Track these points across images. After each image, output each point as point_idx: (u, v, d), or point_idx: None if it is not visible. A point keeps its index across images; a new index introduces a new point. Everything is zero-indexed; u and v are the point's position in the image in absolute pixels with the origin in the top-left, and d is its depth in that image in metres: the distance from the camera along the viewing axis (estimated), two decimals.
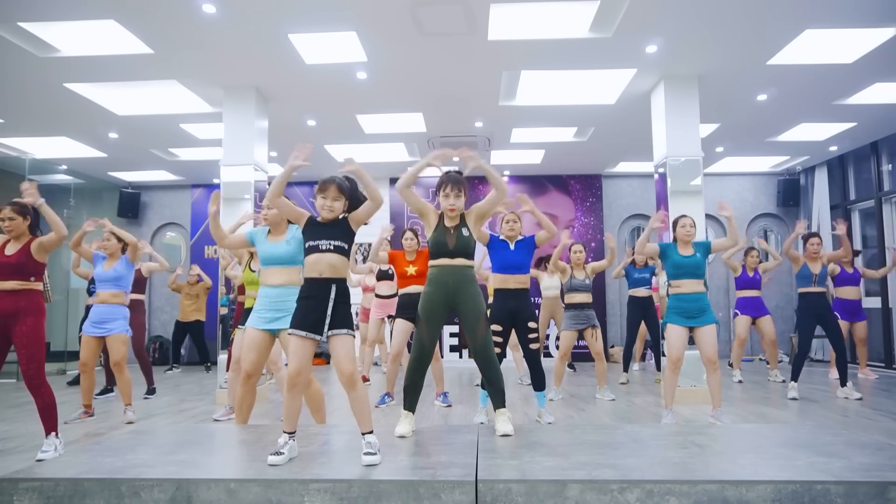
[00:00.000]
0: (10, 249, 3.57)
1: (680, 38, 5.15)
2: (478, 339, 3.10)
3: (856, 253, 6.79)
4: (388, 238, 5.06)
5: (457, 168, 3.32)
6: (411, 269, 5.08)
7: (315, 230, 2.69)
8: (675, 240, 4.38)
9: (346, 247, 2.69)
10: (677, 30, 4.99)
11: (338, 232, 2.68)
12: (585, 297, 5.43)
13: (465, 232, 3.15)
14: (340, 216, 2.73)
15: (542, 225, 4.17)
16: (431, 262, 3.18)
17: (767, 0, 4.50)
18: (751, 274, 6.81)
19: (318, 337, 2.58)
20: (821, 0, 4.50)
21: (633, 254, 6.78)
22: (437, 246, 3.13)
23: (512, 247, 4.27)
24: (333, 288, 2.62)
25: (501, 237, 4.34)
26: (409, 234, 5.19)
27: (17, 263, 3.51)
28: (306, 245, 2.69)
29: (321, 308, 2.59)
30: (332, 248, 2.64)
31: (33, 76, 5.64)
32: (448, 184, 3.13)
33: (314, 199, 2.82)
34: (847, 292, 6.54)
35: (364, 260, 9.47)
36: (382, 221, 9.68)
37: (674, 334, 4.23)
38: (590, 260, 9.21)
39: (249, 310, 4.41)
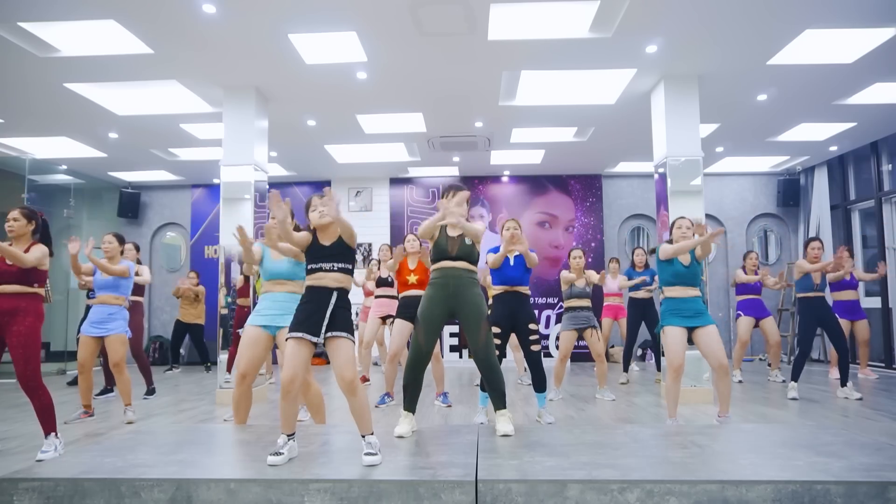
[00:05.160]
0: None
1: (680, 38, 5.15)
2: (479, 343, 3.10)
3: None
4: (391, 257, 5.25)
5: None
6: (412, 278, 5.17)
7: (317, 253, 2.68)
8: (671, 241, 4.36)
9: (350, 266, 2.72)
10: (677, 30, 4.99)
11: (339, 254, 2.68)
12: (585, 302, 5.44)
13: (467, 241, 3.16)
14: (337, 238, 2.70)
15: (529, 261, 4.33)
16: (433, 267, 3.19)
17: (767, 0, 4.50)
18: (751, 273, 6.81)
19: (315, 339, 2.56)
20: (821, 0, 4.50)
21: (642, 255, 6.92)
22: (439, 251, 3.16)
23: (512, 262, 4.37)
24: (335, 294, 2.62)
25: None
26: (410, 237, 5.31)
27: (19, 271, 3.45)
28: (308, 266, 2.68)
29: (320, 311, 2.59)
30: (335, 269, 2.66)
31: (33, 76, 5.64)
32: (450, 191, 3.20)
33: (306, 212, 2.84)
34: (845, 294, 6.55)
35: (364, 260, 9.52)
36: (383, 229, 9.76)
37: (672, 337, 4.07)
38: (589, 260, 9.23)
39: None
